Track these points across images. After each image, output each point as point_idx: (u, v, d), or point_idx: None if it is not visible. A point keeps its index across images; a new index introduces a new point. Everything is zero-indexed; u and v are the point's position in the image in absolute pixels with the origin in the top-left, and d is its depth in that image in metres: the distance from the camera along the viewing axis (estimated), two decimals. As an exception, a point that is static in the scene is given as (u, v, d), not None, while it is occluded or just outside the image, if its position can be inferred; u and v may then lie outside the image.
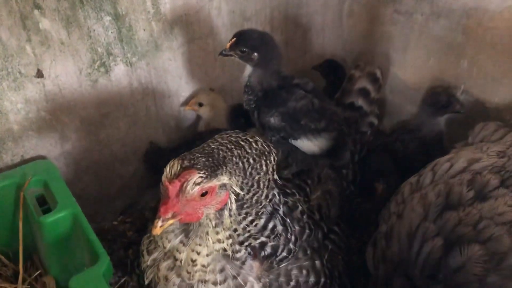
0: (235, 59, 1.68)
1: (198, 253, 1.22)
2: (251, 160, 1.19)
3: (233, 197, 1.17)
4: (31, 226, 1.67)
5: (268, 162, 1.24)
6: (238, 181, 1.16)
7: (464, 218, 1.25)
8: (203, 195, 1.12)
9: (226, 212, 1.18)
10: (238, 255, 1.24)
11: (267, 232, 1.27)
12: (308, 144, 1.73)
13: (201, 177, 1.08)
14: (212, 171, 1.11)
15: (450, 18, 1.95)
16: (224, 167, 1.13)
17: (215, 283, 1.22)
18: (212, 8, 1.95)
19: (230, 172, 1.14)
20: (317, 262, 1.41)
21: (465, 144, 1.70)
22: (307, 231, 1.43)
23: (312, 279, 1.38)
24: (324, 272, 1.42)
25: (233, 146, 1.18)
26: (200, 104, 2.09)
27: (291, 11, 2.21)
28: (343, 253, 1.54)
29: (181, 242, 1.25)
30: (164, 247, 1.27)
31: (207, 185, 1.10)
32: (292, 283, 1.34)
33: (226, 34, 2.03)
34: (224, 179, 1.13)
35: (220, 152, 1.16)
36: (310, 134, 1.71)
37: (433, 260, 1.23)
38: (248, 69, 1.68)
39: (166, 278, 1.27)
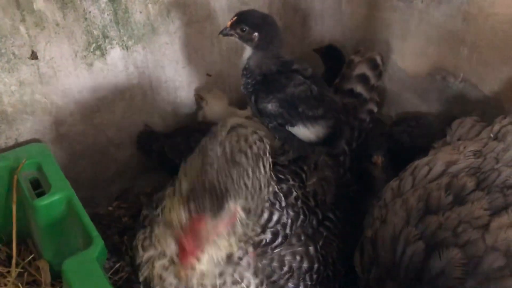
0: (235, 40, 1.65)
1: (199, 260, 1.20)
2: (250, 173, 1.17)
3: (241, 212, 1.16)
4: (24, 209, 1.66)
5: (265, 162, 1.22)
6: (242, 199, 1.15)
7: (444, 222, 1.25)
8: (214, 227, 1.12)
9: (238, 223, 1.18)
10: (238, 253, 1.24)
11: (271, 224, 1.29)
12: (304, 132, 1.71)
13: (212, 220, 1.08)
14: (218, 207, 1.09)
15: (451, 4, 1.93)
16: (228, 197, 1.10)
17: (214, 286, 1.22)
18: (210, -9, 1.93)
19: (234, 197, 1.12)
20: (311, 248, 1.41)
21: (444, 143, 1.69)
22: (301, 216, 1.43)
23: (305, 264, 1.38)
24: (317, 258, 1.42)
25: (229, 169, 1.14)
26: (202, 99, 2.10)
27: (290, -4, 2.19)
28: (338, 240, 1.54)
29: None
30: (163, 251, 1.27)
31: (219, 224, 1.10)
32: (285, 268, 1.34)
33: (223, 18, 2.01)
34: (231, 206, 1.11)
35: (220, 180, 1.12)
36: (307, 121, 1.69)
37: (416, 264, 1.23)
38: (248, 52, 1.65)
39: (161, 277, 1.27)
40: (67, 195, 1.54)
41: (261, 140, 1.25)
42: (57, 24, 1.62)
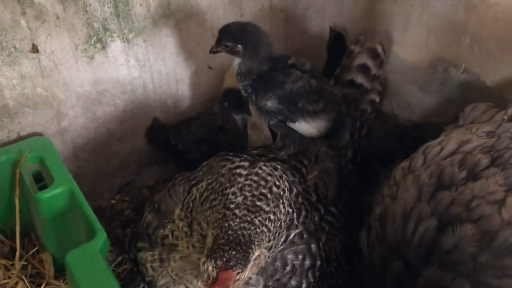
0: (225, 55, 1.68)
1: None
2: (272, 217, 1.18)
3: (265, 251, 1.19)
4: (27, 202, 1.67)
5: (284, 201, 1.23)
6: (265, 241, 1.17)
7: (457, 198, 1.25)
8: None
9: (262, 261, 1.20)
10: None
11: (284, 243, 1.33)
12: (306, 127, 1.70)
13: (239, 273, 1.09)
14: (245, 260, 1.10)
15: (452, -6, 1.92)
16: (252, 246, 1.12)
17: None
18: (210, -16, 1.92)
19: (258, 245, 1.13)
20: (313, 246, 1.42)
21: (456, 126, 1.69)
22: (303, 212, 1.43)
23: (307, 262, 1.39)
24: (320, 255, 1.43)
25: (252, 216, 1.15)
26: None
27: (290, -12, 2.18)
28: (341, 234, 1.54)
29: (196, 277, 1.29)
30: (171, 277, 1.32)
31: (245, 274, 1.11)
32: (288, 268, 1.36)
33: (224, 11, 2.01)
34: (256, 254, 1.13)
35: (244, 231, 1.13)
36: (308, 116, 1.69)
37: (428, 240, 1.23)
38: (237, 59, 1.66)
39: None
40: (70, 188, 1.54)
41: (280, 177, 1.26)
42: (58, 17, 1.62)
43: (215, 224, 1.16)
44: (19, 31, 1.56)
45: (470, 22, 1.90)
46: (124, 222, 2.08)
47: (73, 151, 1.94)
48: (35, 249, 1.72)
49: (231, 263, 1.08)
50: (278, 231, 1.21)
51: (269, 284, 1.34)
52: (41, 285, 1.62)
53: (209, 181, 1.30)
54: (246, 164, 1.29)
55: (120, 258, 1.91)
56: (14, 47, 1.58)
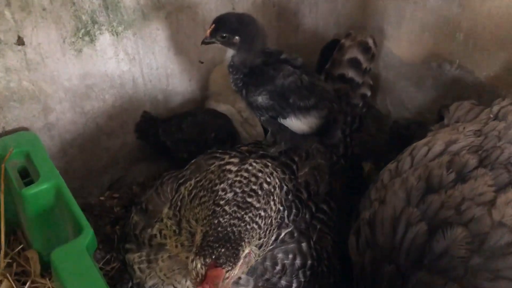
0: (218, 46, 1.63)
1: None
2: (262, 213, 1.16)
3: (255, 250, 1.17)
4: (13, 199, 1.63)
5: (275, 198, 1.22)
6: (255, 238, 1.15)
7: (447, 201, 1.23)
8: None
9: (253, 259, 1.18)
10: None
11: (276, 242, 1.32)
12: (297, 123, 1.67)
13: (228, 271, 1.07)
14: (235, 257, 1.08)
15: (447, -11, 1.91)
16: (242, 243, 1.10)
17: None
18: (201, -24, 1.89)
19: (248, 242, 1.12)
20: (304, 245, 1.40)
21: (441, 126, 1.67)
22: (294, 210, 1.41)
23: (298, 261, 1.37)
24: (311, 254, 1.40)
25: (242, 212, 1.14)
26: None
27: (283, -18, 2.15)
28: (332, 233, 1.52)
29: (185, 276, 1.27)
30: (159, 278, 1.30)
31: (235, 273, 1.09)
32: (278, 267, 1.34)
33: (216, 4, 1.97)
34: (246, 251, 1.11)
35: (234, 228, 1.11)
36: (299, 113, 1.66)
37: (418, 245, 1.21)
38: (230, 50, 1.63)
39: None
40: (56, 184, 1.51)
41: (270, 174, 1.24)
42: (44, 9, 1.58)
43: (204, 221, 1.14)
44: (3, 23, 1.52)
45: (464, 18, 1.88)
46: (114, 220, 2.05)
47: (61, 146, 1.90)
48: (21, 246, 1.68)
49: (221, 261, 1.06)
50: (269, 229, 1.19)
51: (259, 284, 1.32)
52: (26, 283, 1.58)
53: (198, 178, 1.28)
54: (236, 160, 1.27)
55: (108, 256, 1.88)
56: (-1, 39, 1.54)
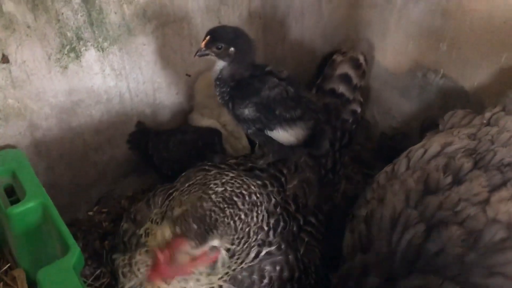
0: (211, 58, 1.64)
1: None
2: (242, 216, 1.21)
3: (224, 252, 1.19)
4: (-1, 217, 1.62)
5: (259, 212, 1.27)
6: (229, 239, 1.18)
7: (444, 202, 1.26)
8: (193, 259, 1.13)
9: (219, 265, 1.20)
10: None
11: (256, 260, 1.31)
12: (284, 135, 1.68)
13: (192, 246, 1.09)
14: (203, 238, 1.11)
15: (429, 0, 1.92)
16: (214, 231, 1.14)
17: None
18: (186, -9, 1.90)
19: (221, 235, 1.15)
20: (291, 257, 1.41)
21: (436, 132, 1.70)
22: (281, 223, 1.42)
23: (285, 274, 1.38)
24: (298, 266, 1.41)
25: (225, 205, 1.20)
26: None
27: (269, -5, 2.16)
28: (320, 245, 1.52)
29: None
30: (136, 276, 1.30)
31: (197, 252, 1.11)
32: (266, 281, 1.34)
33: (202, 18, 1.98)
34: (215, 242, 1.14)
35: (212, 214, 1.16)
36: (285, 124, 1.66)
37: (415, 246, 1.23)
38: (220, 63, 1.63)
39: None
40: (43, 202, 1.50)
41: (261, 193, 1.31)
42: (28, 27, 1.57)
43: (188, 204, 1.19)
44: (-12, 42, 1.52)
45: (447, 28, 1.91)
46: (102, 235, 2.04)
47: (48, 163, 1.89)
48: (8, 265, 1.68)
49: (189, 235, 1.09)
50: (245, 239, 1.22)
51: None
52: (14, 302, 1.57)
53: (197, 178, 1.33)
54: (233, 172, 1.33)
55: (98, 272, 1.87)
56: (-17, 57, 1.54)
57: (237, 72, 1.62)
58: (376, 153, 2.30)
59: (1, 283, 1.62)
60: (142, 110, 2.06)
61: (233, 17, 2.09)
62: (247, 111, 1.63)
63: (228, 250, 1.19)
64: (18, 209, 1.48)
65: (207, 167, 1.57)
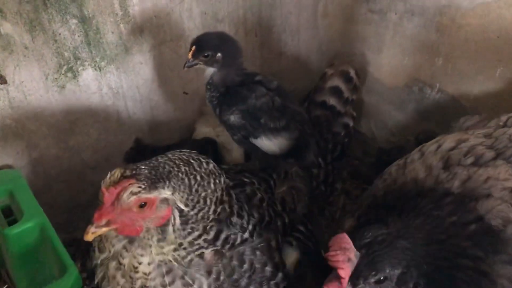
0: (199, 67, 1.66)
1: (140, 263, 1.19)
2: (198, 178, 1.18)
3: (176, 213, 1.15)
4: (-4, 238, 1.61)
5: (217, 181, 1.23)
6: (182, 197, 1.14)
7: (473, 176, 1.22)
8: (142, 206, 1.10)
9: (170, 228, 1.15)
10: (185, 260, 1.21)
11: (219, 242, 1.24)
12: (268, 144, 1.70)
13: (140, 187, 1.06)
14: (153, 183, 1.09)
15: (424, 16, 1.94)
16: (166, 181, 1.11)
17: (163, 285, 1.19)
18: (183, 10, 1.91)
19: (173, 187, 1.12)
20: (273, 243, 1.37)
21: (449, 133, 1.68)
22: (266, 218, 1.40)
23: (265, 258, 1.34)
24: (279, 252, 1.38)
25: (181, 163, 1.17)
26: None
27: (264, 12, 2.18)
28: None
29: (124, 247, 1.21)
30: (109, 251, 1.24)
31: (145, 196, 1.08)
32: (246, 266, 1.29)
33: (198, 36, 2.00)
34: (166, 193, 1.11)
35: (166, 166, 1.14)
36: (269, 133, 1.69)
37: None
38: (210, 70, 1.65)
39: (114, 277, 1.25)
40: (40, 223, 1.50)
41: (219, 167, 1.27)
42: (26, 47, 1.59)
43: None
44: (-15, 62, 1.53)
45: (442, 43, 1.92)
46: (101, 254, 2.02)
47: (46, 182, 1.89)
48: (5, 286, 1.66)
49: (139, 176, 1.07)
50: (200, 205, 1.17)
51: None
52: (12, 324, 1.56)
53: None
54: None
55: (97, 292, 1.85)
56: (-19, 78, 1.55)
57: (227, 77, 1.66)
58: (374, 168, 2.30)
59: (-1, 305, 1.61)
60: (140, 128, 2.06)
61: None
62: (233, 118, 1.66)
63: (181, 212, 1.14)
64: (15, 230, 1.47)
65: None
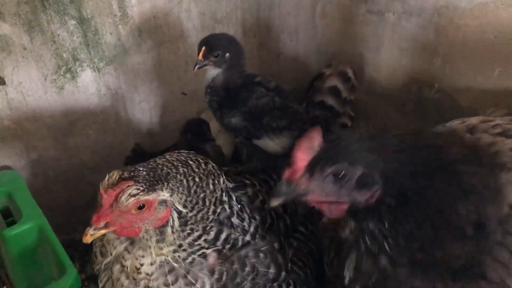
0: (208, 68, 1.66)
1: (142, 264, 1.19)
2: (196, 179, 1.17)
3: (175, 214, 1.14)
4: (-5, 240, 1.60)
5: (216, 182, 1.22)
6: (181, 198, 1.14)
7: (498, 142, 1.14)
8: (140, 208, 1.09)
9: (169, 229, 1.15)
10: (186, 261, 1.20)
11: (220, 242, 1.24)
12: (270, 144, 1.70)
13: (138, 189, 1.06)
14: (151, 185, 1.09)
15: (422, 16, 1.94)
16: (165, 183, 1.11)
17: (166, 285, 1.19)
18: (181, 11, 1.91)
19: (172, 189, 1.12)
20: (276, 245, 1.36)
21: None
22: (268, 220, 1.39)
23: (268, 261, 1.33)
24: (283, 256, 1.37)
25: (179, 164, 1.17)
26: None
27: (263, 13, 2.18)
28: (310, 255, 1.50)
29: (126, 249, 1.22)
30: (110, 254, 1.24)
31: (143, 198, 1.07)
32: (247, 269, 1.29)
33: (197, 37, 1.99)
34: (164, 195, 1.10)
35: (164, 168, 1.14)
36: (271, 133, 1.69)
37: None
38: (213, 71, 1.65)
39: (119, 279, 1.24)
40: (39, 224, 1.49)
41: (218, 168, 1.25)
42: (25, 48, 1.59)
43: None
44: (-16, 63, 1.53)
45: (440, 43, 1.92)
46: (100, 255, 2.02)
47: (45, 183, 1.89)
48: (4, 287, 1.65)
49: (137, 178, 1.07)
50: (199, 206, 1.17)
51: None
52: (10, 325, 1.55)
53: None
54: None
55: (95, 293, 1.85)
56: (-21, 79, 1.55)
57: (231, 79, 1.66)
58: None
59: (-3, 306, 1.61)
60: (139, 129, 2.06)
61: (228, 36, 2.11)
62: (234, 120, 1.66)
63: (180, 213, 1.14)
64: (14, 231, 1.47)
65: None
